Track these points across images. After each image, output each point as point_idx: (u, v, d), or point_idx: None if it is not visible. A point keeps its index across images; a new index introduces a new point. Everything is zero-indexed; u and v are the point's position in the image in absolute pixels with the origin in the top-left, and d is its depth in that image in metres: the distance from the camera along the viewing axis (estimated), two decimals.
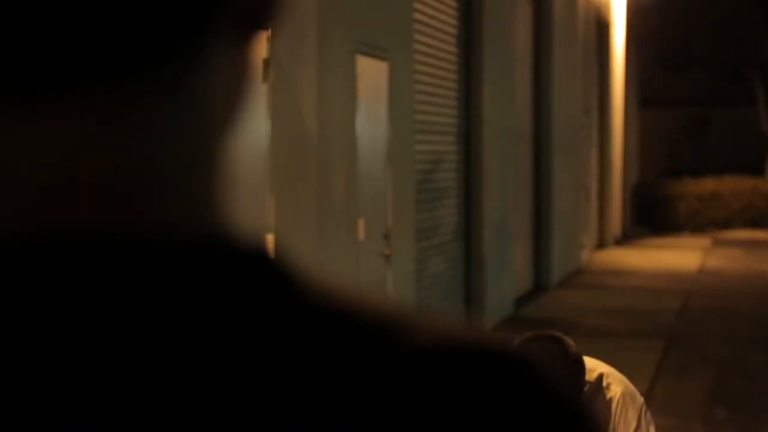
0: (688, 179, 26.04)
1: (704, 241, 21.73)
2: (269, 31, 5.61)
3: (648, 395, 8.06)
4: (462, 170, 10.60)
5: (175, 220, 0.53)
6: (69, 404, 0.48)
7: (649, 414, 3.24)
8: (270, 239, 5.80)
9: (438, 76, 9.81)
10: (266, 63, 5.71)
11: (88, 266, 0.50)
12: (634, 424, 3.20)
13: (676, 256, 18.92)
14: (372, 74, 7.56)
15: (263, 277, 0.53)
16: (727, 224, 24.41)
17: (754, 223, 24.44)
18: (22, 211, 0.50)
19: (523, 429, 0.53)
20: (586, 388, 3.13)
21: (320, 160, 6.49)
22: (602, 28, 20.34)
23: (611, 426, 3.17)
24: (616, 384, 3.22)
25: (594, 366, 3.23)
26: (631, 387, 3.24)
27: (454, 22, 10.47)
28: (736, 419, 8.04)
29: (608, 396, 3.20)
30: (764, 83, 29.41)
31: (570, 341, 3.10)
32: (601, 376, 3.22)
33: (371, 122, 7.52)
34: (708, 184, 25.34)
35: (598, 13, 19.47)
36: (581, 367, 3.06)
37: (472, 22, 10.88)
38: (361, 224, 7.27)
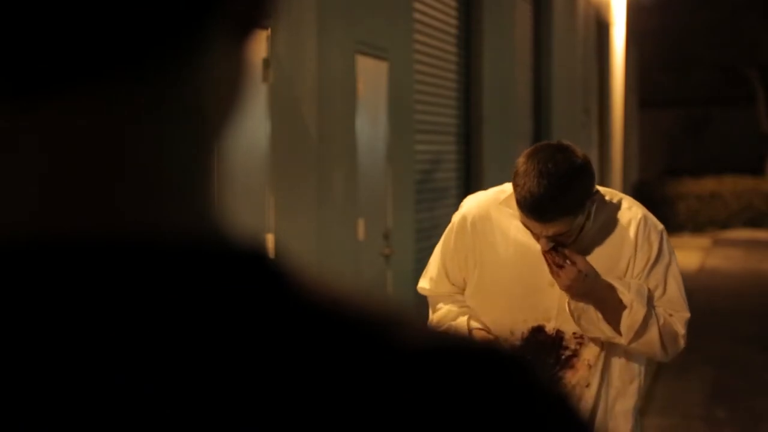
0: (688, 179, 26.03)
1: (704, 240, 21.73)
2: (269, 31, 5.61)
3: (648, 395, 8.07)
4: (462, 170, 10.60)
5: (173, 219, 0.53)
6: (68, 405, 0.48)
7: (670, 243, 3.30)
8: (270, 239, 5.80)
9: (438, 76, 9.80)
10: (266, 63, 5.71)
11: (86, 267, 0.50)
12: (656, 246, 3.23)
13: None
14: (372, 74, 7.55)
15: (261, 277, 0.53)
16: (726, 224, 24.40)
17: (754, 223, 24.43)
18: (20, 212, 0.50)
19: (519, 427, 0.53)
20: (602, 198, 3.18)
21: (320, 160, 6.49)
22: (602, 28, 20.34)
23: (635, 247, 3.20)
24: (637, 207, 3.27)
25: (616, 193, 3.30)
26: (651, 215, 3.29)
27: (454, 22, 10.47)
28: (736, 419, 8.04)
29: (629, 217, 3.23)
30: (764, 83, 29.40)
31: (578, 149, 3.14)
32: (621, 200, 3.27)
33: (371, 122, 7.52)
34: (708, 184, 25.33)
35: (598, 13, 19.46)
36: (590, 173, 3.09)
37: (472, 22, 10.87)
38: (361, 224, 7.27)
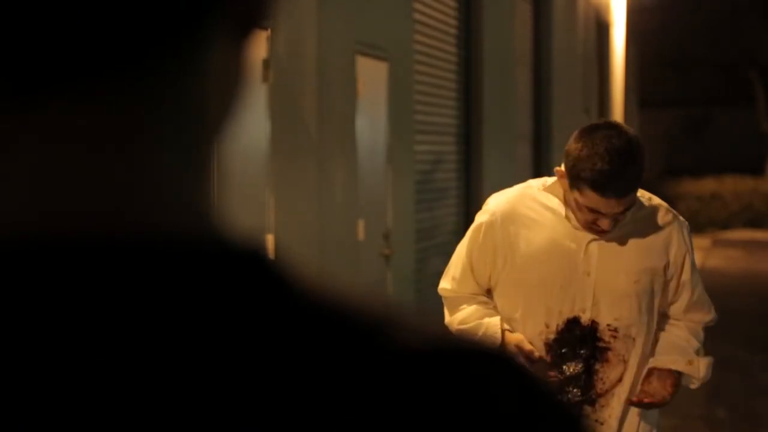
0: (688, 179, 26.03)
1: (704, 241, 21.72)
2: (269, 31, 5.61)
3: None
4: (462, 170, 10.60)
5: (173, 219, 0.52)
6: (67, 405, 0.48)
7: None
8: (270, 239, 5.80)
9: (438, 76, 9.80)
10: (266, 63, 5.71)
11: (86, 267, 0.50)
12: (689, 240, 3.37)
13: None
14: (372, 74, 7.55)
15: (258, 277, 0.53)
16: (726, 224, 24.39)
17: (754, 224, 24.42)
18: (20, 212, 0.50)
19: (513, 427, 0.53)
20: (645, 205, 3.31)
21: (320, 160, 6.49)
22: (602, 28, 20.34)
23: (669, 242, 3.32)
24: (668, 209, 3.38)
25: (646, 192, 3.40)
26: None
27: (454, 22, 10.47)
28: (735, 419, 8.04)
29: (661, 213, 3.34)
30: (764, 83, 29.42)
31: (628, 127, 3.25)
32: (650, 197, 3.37)
33: (371, 122, 7.52)
34: (708, 184, 25.32)
35: (598, 14, 19.47)
36: (642, 146, 3.19)
37: (472, 22, 10.88)
38: (361, 224, 7.27)
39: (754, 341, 10.68)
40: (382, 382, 0.51)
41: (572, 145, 3.15)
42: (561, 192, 3.26)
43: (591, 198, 3.13)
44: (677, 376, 3.33)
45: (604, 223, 3.17)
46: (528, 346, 3.21)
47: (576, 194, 3.16)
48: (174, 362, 0.49)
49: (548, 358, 3.23)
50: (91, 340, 0.49)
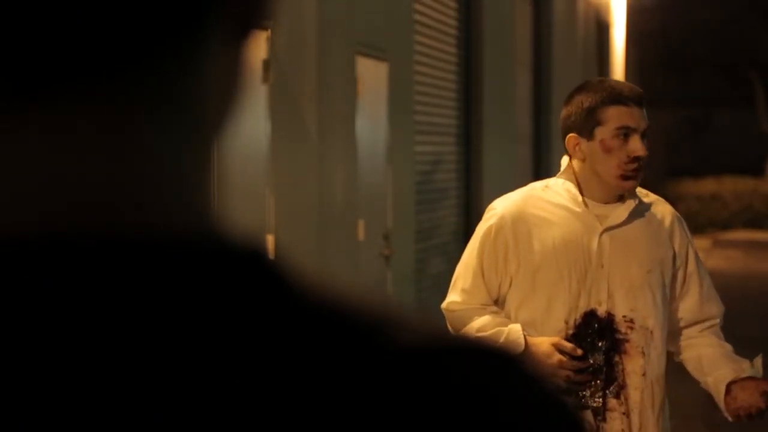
0: (688, 180, 26.01)
1: (704, 242, 21.73)
2: (269, 31, 5.61)
3: None
4: (462, 170, 10.60)
5: (173, 219, 0.52)
6: (67, 404, 0.48)
7: None
8: (270, 239, 5.80)
9: (438, 76, 9.80)
10: (266, 63, 5.71)
11: (86, 267, 0.50)
12: (688, 233, 3.45)
13: None
14: (372, 74, 7.55)
15: (257, 277, 0.53)
16: (726, 225, 24.38)
17: (754, 224, 24.42)
18: (20, 212, 0.50)
19: (515, 426, 0.53)
20: (645, 201, 3.39)
21: (320, 160, 6.49)
22: (602, 28, 20.34)
23: (672, 235, 3.37)
24: (665, 203, 3.46)
25: (642, 189, 3.46)
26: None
27: (454, 22, 10.47)
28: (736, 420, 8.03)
29: (660, 208, 3.42)
30: (764, 83, 29.41)
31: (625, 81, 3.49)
32: (647, 193, 3.44)
33: (371, 122, 7.52)
34: (708, 185, 25.31)
35: (598, 14, 19.47)
36: (641, 95, 3.34)
37: (472, 22, 10.87)
38: (360, 225, 7.27)
39: (754, 342, 10.66)
40: (383, 382, 0.51)
41: (574, 100, 3.32)
42: (572, 176, 3.29)
43: (616, 116, 3.23)
44: (758, 378, 3.34)
45: (637, 144, 3.22)
46: (568, 344, 3.21)
47: (600, 132, 3.24)
48: (174, 362, 0.49)
49: (579, 352, 3.24)
50: (91, 340, 0.49)
